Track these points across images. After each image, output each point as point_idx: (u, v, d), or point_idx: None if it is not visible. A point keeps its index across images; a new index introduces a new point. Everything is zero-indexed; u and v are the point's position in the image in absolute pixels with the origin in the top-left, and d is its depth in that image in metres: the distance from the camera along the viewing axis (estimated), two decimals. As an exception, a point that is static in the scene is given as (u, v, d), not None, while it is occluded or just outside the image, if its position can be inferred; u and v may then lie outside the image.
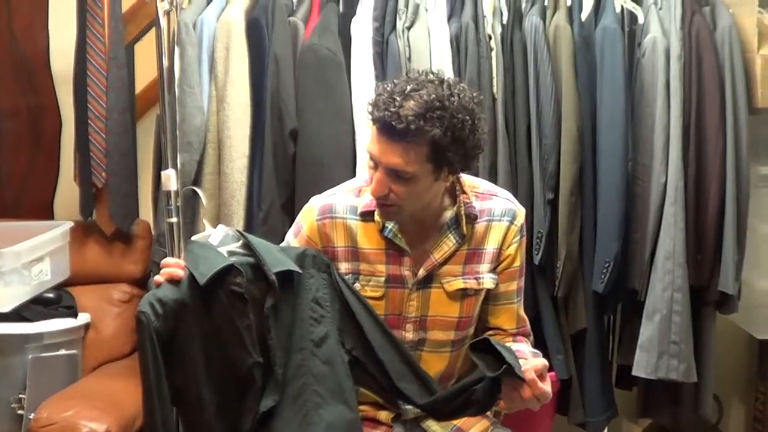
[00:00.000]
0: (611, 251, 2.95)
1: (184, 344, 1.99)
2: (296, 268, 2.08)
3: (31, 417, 2.76)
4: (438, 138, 1.94)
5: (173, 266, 1.99)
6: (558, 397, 3.15)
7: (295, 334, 2.10)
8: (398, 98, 1.94)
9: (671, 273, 2.93)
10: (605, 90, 2.95)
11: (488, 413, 2.28)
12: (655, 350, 2.95)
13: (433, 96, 1.94)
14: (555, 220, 2.96)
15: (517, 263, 2.26)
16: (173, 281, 1.97)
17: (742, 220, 2.99)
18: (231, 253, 2.06)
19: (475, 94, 2.03)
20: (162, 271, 1.99)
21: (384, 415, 2.28)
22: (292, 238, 2.25)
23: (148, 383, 1.94)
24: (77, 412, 2.71)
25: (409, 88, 1.96)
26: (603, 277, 2.96)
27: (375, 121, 1.98)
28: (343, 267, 2.19)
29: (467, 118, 1.97)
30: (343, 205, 2.20)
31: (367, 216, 2.17)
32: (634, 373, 3.01)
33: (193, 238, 2.15)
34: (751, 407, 3.74)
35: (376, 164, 2.03)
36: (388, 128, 1.95)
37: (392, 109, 1.93)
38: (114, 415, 2.73)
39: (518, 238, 2.24)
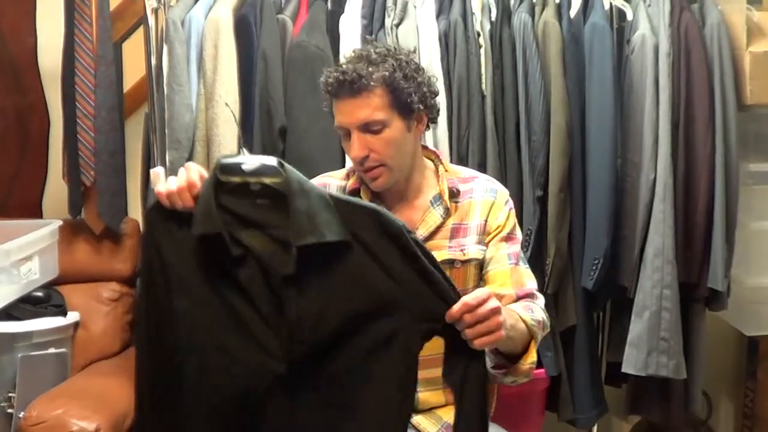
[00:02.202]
0: (600, 248, 2.95)
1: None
2: (341, 236, 1.62)
3: (20, 416, 2.75)
4: (389, 77, 2.07)
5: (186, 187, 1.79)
6: (548, 394, 3.16)
7: (337, 321, 1.64)
8: (344, 65, 2.10)
9: (660, 270, 2.93)
10: (594, 87, 2.95)
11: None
12: (644, 347, 2.95)
13: (373, 51, 2.12)
14: (544, 217, 2.96)
15: (506, 230, 2.24)
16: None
17: (731, 217, 3.00)
18: (257, 195, 1.68)
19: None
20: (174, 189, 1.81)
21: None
22: None
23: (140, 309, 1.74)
24: (67, 411, 2.71)
25: (351, 56, 2.14)
26: (592, 274, 2.97)
27: (328, 88, 2.10)
28: None
29: (410, 59, 2.14)
30: (335, 186, 2.29)
31: (354, 194, 2.22)
32: (623, 369, 3.01)
33: (223, 160, 1.73)
34: (740, 404, 3.75)
35: (348, 132, 2.12)
36: (341, 86, 2.07)
37: (340, 70, 2.08)
38: (104, 414, 2.72)
39: (506, 209, 2.25)
